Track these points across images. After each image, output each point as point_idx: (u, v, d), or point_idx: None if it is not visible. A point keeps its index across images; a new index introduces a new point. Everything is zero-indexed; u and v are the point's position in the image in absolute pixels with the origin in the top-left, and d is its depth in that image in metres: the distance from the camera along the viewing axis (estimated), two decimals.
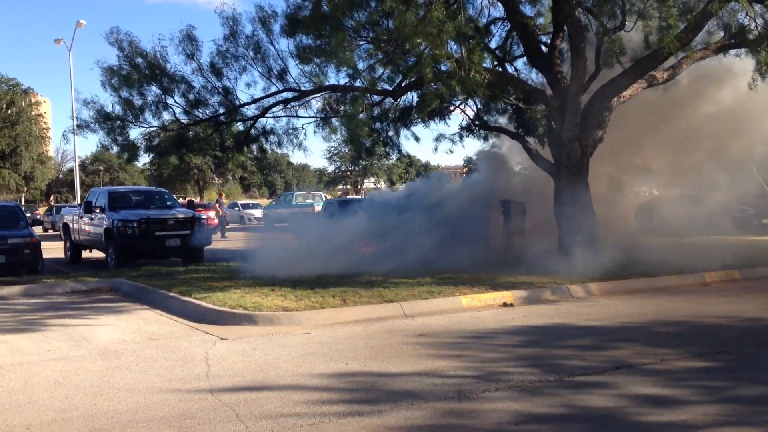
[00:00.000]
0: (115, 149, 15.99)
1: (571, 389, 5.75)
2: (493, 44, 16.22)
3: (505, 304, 9.98)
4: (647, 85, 14.35)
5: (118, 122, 15.03)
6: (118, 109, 14.89)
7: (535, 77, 16.86)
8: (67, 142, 68.07)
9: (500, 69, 15.36)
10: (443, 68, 12.47)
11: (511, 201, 16.09)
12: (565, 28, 13.97)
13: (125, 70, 14.64)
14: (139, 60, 14.67)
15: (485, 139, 18.63)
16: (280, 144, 15.96)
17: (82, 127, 15.11)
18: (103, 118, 14.86)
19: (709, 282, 11.85)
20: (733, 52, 13.72)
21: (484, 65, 13.11)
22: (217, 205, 31.20)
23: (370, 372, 6.42)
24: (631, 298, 10.52)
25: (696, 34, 12.68)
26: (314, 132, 16.05)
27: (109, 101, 14.84)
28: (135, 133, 15.41)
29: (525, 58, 16.20)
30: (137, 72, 14.66)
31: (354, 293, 10.16)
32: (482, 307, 9.82)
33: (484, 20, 15.90)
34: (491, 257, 13.76)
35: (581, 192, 13.74)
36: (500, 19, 16.18)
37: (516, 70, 17.03)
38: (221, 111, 15.37)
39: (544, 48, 15.00)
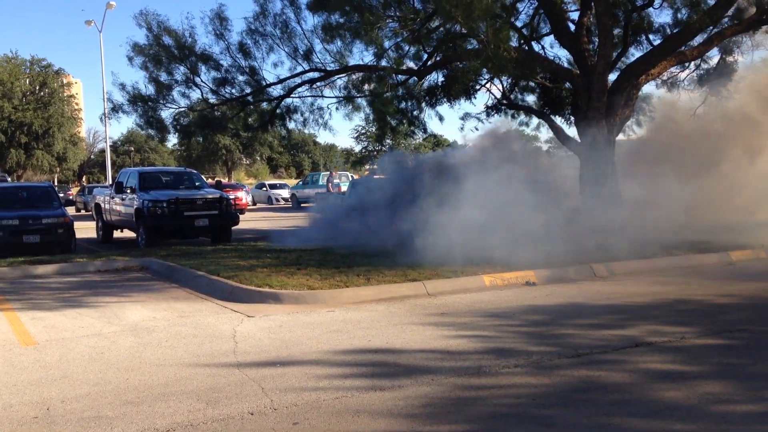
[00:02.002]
0: (147, 130, 16.28)
1: (589, 366, 5.82)
2: (519, 23, 16.12)
3: (528, 283, 10.03)
4: (676, 63, 14.19)
5: (149, 103, 15.25)
6: (150, 90, 15.13)
7: (562, 55, 16.75)
8: (103, 124, 69.07)
9: (527, 47, 15.26)
10: (469, 47, 12.46)
11: (539, 182, 16.03)
12: (593, 4, 13.83)
13: (154, 50, 14.82)
14: (168, 40, 14.84)
15: (512, 117, 18.58)
16: (305, 123, 16.11)
17: (115, 109, 15.39)
18: (135, 99, 15.10)
19: (735, 261, 11.76)
20: (764, 28, 13.44)
21: (511, 44, 13.05)
22: (330, 185, 31.66)
23: (391, 349, 6.55)
24: (655, 277, 10.49)
25: (726, 10, 12.48)
26: (336, 109, 15.86)
27: (140, 83, 15.11)
28: (165, 114, 15.61)
29: (552, 36, 16.08)
30: (166, 52, 14.84)
31: (378, 272, 10.28)
32: (505, 286, 9.88)
33: None
34: (514, 237, 13.73)
35: (607, 171, 13.67)
36: None
37: (543, 48, 16.93)
38: (248, 91, 15.51)
39: (571, 25, 14.86)
